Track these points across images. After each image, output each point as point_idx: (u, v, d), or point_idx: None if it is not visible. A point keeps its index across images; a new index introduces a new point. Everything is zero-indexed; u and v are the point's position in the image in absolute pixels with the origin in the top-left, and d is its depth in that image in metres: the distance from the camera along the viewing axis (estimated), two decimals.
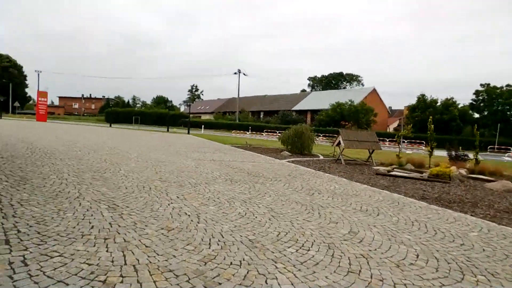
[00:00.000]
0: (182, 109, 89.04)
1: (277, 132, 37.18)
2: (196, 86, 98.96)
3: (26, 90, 73.14)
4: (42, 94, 38.20)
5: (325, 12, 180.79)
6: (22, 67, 69.52)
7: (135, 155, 9.10)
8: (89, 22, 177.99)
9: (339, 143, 12.08)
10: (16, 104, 51.14)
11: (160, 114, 50.29)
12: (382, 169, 9.37)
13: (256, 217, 3.95)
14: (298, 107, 60.51)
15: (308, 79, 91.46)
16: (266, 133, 36.47)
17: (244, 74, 57.16)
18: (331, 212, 4.47)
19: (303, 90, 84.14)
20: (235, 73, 56.65)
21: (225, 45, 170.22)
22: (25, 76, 71.05)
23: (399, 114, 68.34)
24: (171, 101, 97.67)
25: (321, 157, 13.15)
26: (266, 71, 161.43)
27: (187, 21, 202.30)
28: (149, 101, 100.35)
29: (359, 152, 15.41)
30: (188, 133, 27.18)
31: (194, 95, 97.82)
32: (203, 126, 35.38)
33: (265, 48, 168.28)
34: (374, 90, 56.94)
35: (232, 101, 73.40)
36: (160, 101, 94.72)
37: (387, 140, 36.76)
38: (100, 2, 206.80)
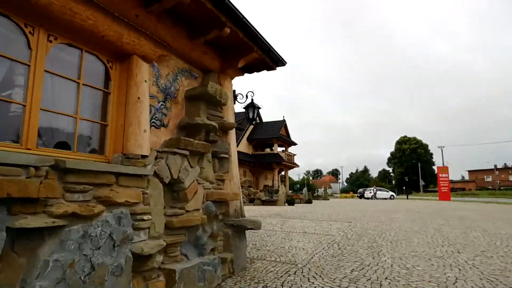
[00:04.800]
0: None
1: None
2: None
3: (433, 167, 74.13)
4: (442, 169, 34.95)
5: None
6: (427, 145, 71.94)
7: None
8: (488, 93, 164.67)
9: None
10: (421, 182, 51.31)
11: None
12: None
13: None
14: None
15: None
16: None
17: None
18: None
19: None
20: None
21: None
22: (431, 154, 72.56)
23: None
24: None
25: None
26: None
27: None
28: None
29: None
30: None
31: None
32: None
33: None
34: None
35: None
36: None
37: None
38: (496, 72, 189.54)
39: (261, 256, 5.49)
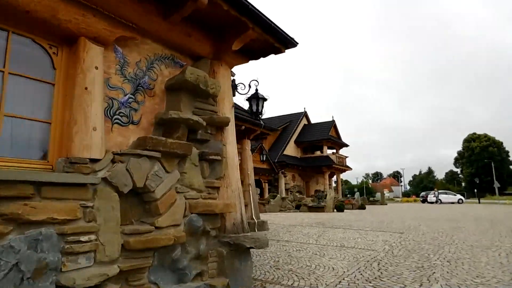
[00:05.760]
0: None
1: None
2: None
3: (511, 167, 66.00)
4: None
5: None
6: (501, 143, 64.48)
7: None
8: None
9: None
10: (496, 184, 45.53)
11: None
12: None
13: None
14: None
15: None
16: None
17: None
18: None
19: None
20: None
21: None
22: (507, 152, 64.90)
23: None
24: None
25: None
26: None
27: None
28: None
29: None
30: None
31: None
32: None
33: None
34: None
35: None
36: None
37: None
38: None
39: (277, 278, 4.56)
